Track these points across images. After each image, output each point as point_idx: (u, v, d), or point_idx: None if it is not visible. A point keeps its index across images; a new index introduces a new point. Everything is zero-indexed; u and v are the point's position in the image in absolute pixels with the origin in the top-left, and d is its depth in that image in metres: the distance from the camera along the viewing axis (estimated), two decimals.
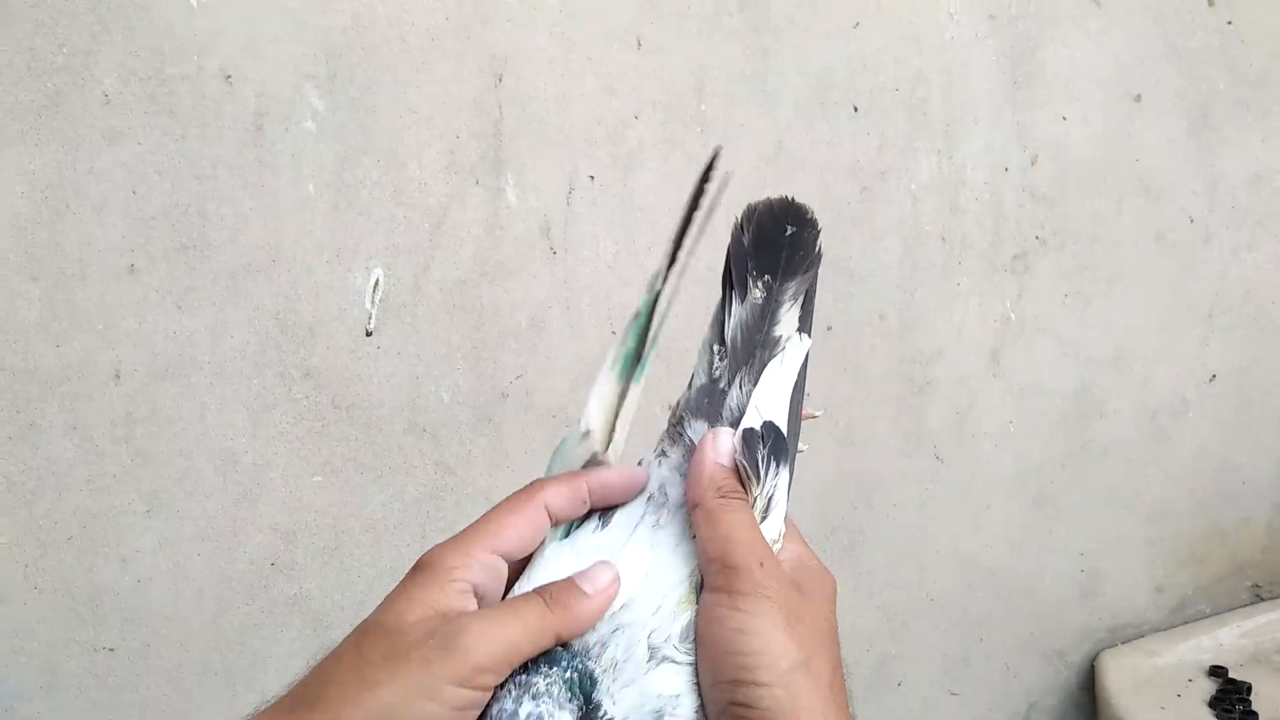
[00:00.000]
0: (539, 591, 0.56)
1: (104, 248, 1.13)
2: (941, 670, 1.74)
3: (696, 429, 0.60)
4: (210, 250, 1.17)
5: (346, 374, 1.26)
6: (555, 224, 1.32)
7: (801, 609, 0.56)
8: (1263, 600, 1.91)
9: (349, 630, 0.55)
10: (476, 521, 0.59)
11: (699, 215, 0.62)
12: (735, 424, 0.60)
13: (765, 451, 0.59)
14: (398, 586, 0.57)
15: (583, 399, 0.63)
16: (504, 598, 0.58)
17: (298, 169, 1.19)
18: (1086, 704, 1.84)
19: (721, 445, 0.59)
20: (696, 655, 0.55)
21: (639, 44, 1.33)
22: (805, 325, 0.66)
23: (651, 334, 0.62)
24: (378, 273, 1.25)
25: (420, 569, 0.57)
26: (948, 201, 1.56)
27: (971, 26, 1.52)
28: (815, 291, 0.66)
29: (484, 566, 0.57)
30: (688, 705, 0.53)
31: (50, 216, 1.10)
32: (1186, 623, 1.87)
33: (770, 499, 0.59)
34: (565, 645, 0.55)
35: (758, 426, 0.59)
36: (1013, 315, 1.64)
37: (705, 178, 0.62)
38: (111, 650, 1.21)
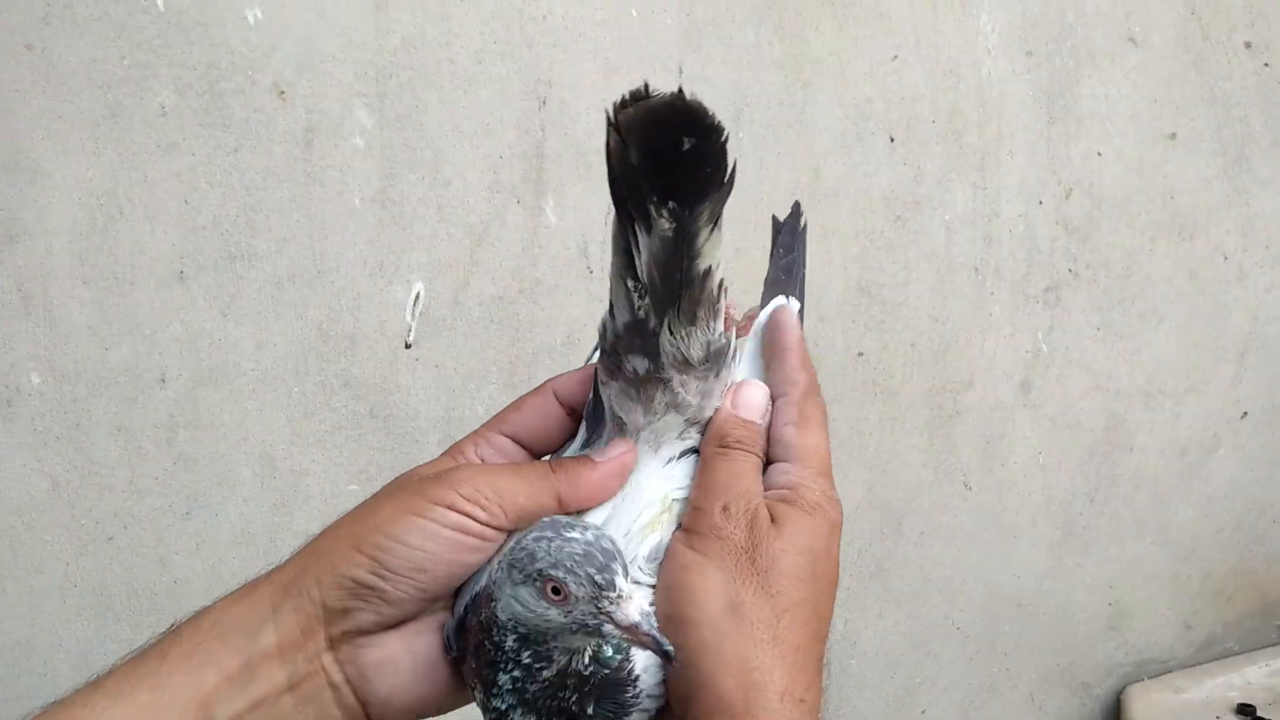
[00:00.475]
0: (547, 460, 0.60)
1: (155, 255, 1.16)
2: (966, 699, 1.74)
3: (637, 364, 0.57)
4: (257, 260, 1.20)
5: (385, 385, 1.28)
6: (593, 244, 1.34)
7: (767, 554, 0.54)
8: None
9: None
10: (493, 417, 0.63)
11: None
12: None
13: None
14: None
15: None
16: None
17: (345, 183, 1.22)
18: None
19: (741, 397, 0.59)
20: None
21: (681, 71, 1.36)
22: (792, 288, 0.68)
23: None
24: (418, 286, 1.28)
25: (444, 455, 0.62)
26: (981, 232, 1.57)
27: (1009, 62, 1.54)
28: (802, 255, 0.69)
29: (495, 447, 0.61)
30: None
31: (104, 223, 1.13)
32: (1214, 660, 1.85)
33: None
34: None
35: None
36: (1044, 346, 1.65)
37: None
38: None
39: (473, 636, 0.55)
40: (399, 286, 1.27)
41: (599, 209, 1.33)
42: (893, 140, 1.50)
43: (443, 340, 1.30)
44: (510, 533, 0.56)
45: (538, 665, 0.53)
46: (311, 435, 1.26)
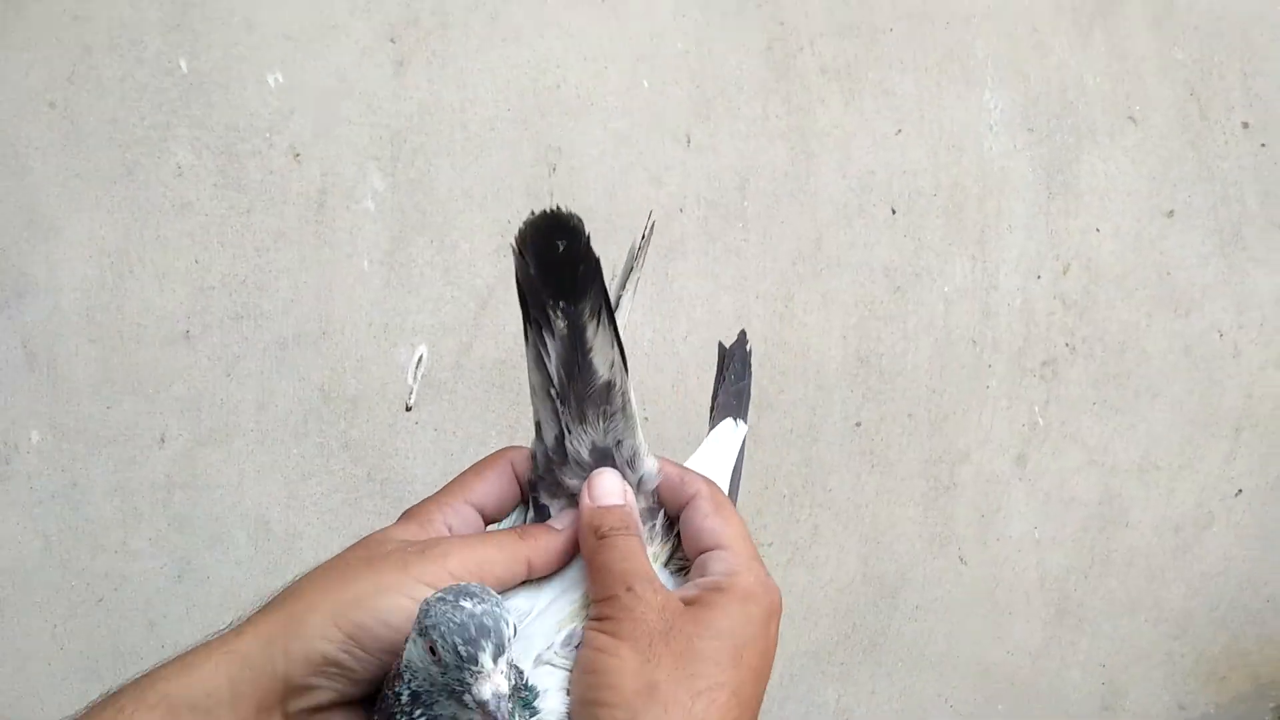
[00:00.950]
0: (513, 528, 0.60)
1: (162, 313, 1.15)
2: None
3: (571, 484, 0.60)
4: (263, 320, 1.19)
5: (384, 448, 1.27)
6: None
7: (682, 635, 0.54)
8: None
9: None
10: (450, 482, 0.62)
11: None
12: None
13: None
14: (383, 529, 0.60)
15: None
16: None
17: (354, 245, 1.22)
18: None
19: (596, 488, 0.60)
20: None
21: (688, 141, 1.37)
22: (740, 412, 0.71)
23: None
24: (421, 349, 1.27)
25: (404, 516, 0.60)
26: (980, 305, 1.58)
27: (1010, 138, 1.56)
28: (750, 383, 0.74)
29: (460, 516, 0.60)
30: (554, 700, 0.54)
31: (114, 280, 1.12)
32: None
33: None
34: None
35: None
36: (1040, 420, 1.65)
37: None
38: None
39: (383, 685, 0.54)
40: (402, 348, 1.26)
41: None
42: (894, 212, 1.52)
43: (443, 403, 1.29)
44: None
45: None
46: (308, 498, 1.25)
